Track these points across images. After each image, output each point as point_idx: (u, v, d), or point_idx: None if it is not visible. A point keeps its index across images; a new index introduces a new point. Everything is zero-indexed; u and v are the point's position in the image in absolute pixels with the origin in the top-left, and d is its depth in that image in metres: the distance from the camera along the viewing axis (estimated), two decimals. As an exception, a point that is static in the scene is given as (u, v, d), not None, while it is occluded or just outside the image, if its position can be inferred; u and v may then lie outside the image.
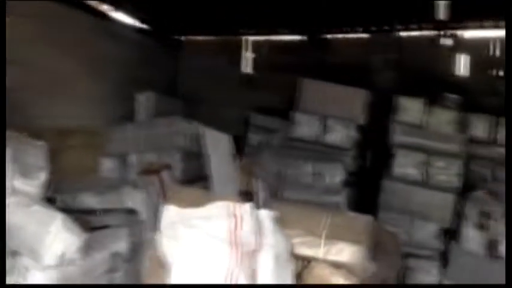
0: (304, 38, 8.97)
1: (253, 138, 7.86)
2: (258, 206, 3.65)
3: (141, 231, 5.21)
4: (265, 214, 3.46)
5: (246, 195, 3.85)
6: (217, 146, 4.05)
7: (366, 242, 3.59)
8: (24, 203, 3.89)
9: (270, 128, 7.82)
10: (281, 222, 3.58)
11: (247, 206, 3.34)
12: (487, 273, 6.04)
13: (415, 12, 7.45)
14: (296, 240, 3.58)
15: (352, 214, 4.33)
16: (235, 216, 3.28)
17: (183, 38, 9.55)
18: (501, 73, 7.86)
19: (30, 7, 5.66)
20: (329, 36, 8.96)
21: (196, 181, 6.73)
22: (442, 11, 5.70)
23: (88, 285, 4.36)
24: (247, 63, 9.29)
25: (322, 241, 3.58)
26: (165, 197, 5.54)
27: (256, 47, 9.34)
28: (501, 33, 7.92)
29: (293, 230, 3.61)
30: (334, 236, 3.56)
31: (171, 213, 3.45)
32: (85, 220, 4.76)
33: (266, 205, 3.74)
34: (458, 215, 6.36)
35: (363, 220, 3.84)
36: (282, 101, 8.22)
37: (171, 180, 5.87)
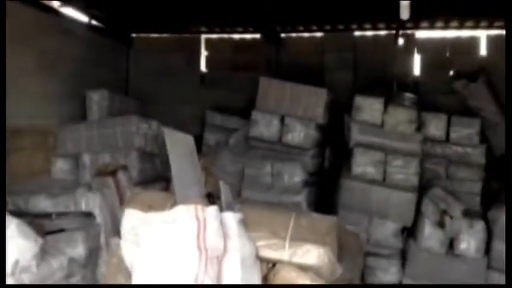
0: (260, 36, 8.89)
1: (211, 137, 7.71)
2: (222, 209, 3.56)
3: (97, 235, 5.04)
4: (230, 217, 3.38)
5: (209, 198, 3.72)
6: (180, 146, 3.90)
7: (332, 243, 3.54)
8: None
9: (227, 127, 7.70)
10: (245, 225, 3.49)
11: (211, 209, 3.24)
12: (445, 270, 6.15)
13: (370, 12, 7.48)
14: (261, 243, 3.50)
15: (316, 215, 4.28)
16: (199, 219, 3.17)
17: (135, 35, 9.28)
18: (454, 72, 8.02)
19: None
20: (285, 34, 8.92)
21: (153, 182, 6.59)
22: (405, 11, 5.72)
23: (94, 285, 4.20)
24: (202, 61, 9.13)
25: (287, 243, 3.52)
26: (121, 199, 5.38)
27: (212, 44, 9.19)
28: (453, 33, 8.16)
29: (257, 233, 3.53)
30: (299, 237, 3.50)
31: (132, 217, 3.30)
32: (39, 224, 4.60)
33: (230, 207, 3.64)
34: (417, 213, 6.41)
35: (327, 221, 3.79)
36: (238, 99, 8.15)
37: (127, 181, 5.70)
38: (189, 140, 4.04)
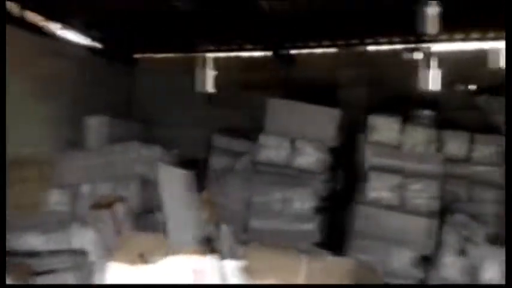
0: (270, 53, 8.58)
1: (217, 161, 7.30)
2: (222, 256, 3.21)
3: (91, 274, 4.69)
4: (230, 265, 3.03)
5: (208, 242, 3.36)
6: (175, 185, 3.56)
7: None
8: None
9: (235, 150, 7.29)
10: (251, 273, 3.14)
11: (208, 259, 2.90)
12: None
13: (385, 25, 7.15)
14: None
15: (331, 258, 3.92)
16: (195, 272, 2.83)
17: (138, 55, 9.03)
18: (473, 87, 7.63)
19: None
20: (296, 51, 8.60)
21: (155, 211, 6.24)
22: (430, 24, 5.43)
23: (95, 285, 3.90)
24: (209, 81, 8.83)
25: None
26: (118, 234, 5.05)
27: (219, 63, 8.91)
28: (472, 45, 7.75)
29: (265, 281, 3.19)
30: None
31: (117, 271, 2.95)
32: (28, 265, 4.31)
33: (232, 253, 3.28)
34: (436, 240, 6.01)
35: (343, 264, 3.45)
36: (247, 120, 7.80)
37: (126, 214, 5.37)
38: (186, 176, 3.70)
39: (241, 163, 6.88)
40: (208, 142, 7.75)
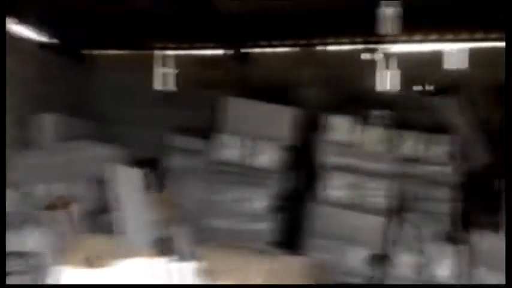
0: (227, 52, 8.55)
1: (174, 161, 7.23)
2: (179, 257, 3.19)
3: (44, 278, 4.58)
4: (188, 267, 3.02)
5: (165, 244, 3.33)
6: (131, 185, 3.51)
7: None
8: None
9: (192, 150, 7.23)
10: (209, 274, 3.13)
11: (165, 261, 2.88)
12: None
13: (342, 26, 7.26)
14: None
15: (289, 259, 3.95)
16: (150, 275, 2.80)
17: (94, 52, 8.84)
18: (429, 88, 7.80)
19: None
20: (253, 50, 8.60)
21: (111, 212, 6.13)
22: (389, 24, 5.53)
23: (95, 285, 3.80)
24: (166, 79, 8.73)
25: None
26: (74, 235, 4.94)
27: (175, 62, 8.82)
28: (430, 46, 7.93)
29: (225, 281, 3.19)
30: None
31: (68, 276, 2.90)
32: None
33: (189, 255, 3.26)
34: (391, 239, 6.14)
35: (299, 264, 3.49)
36: (204, 119, 7.75)
37: (81, 215, 5.26)
38: (143, 176, 3.65)
39: (199, 162, 6.82)
40: (164, 141, 7.68)
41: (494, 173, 6.89)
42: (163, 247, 3.31)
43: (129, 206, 3.35)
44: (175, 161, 7.08)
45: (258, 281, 3.29)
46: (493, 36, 7.55)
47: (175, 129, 7.57)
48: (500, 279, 5.91)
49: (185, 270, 3.01)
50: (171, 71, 8.79)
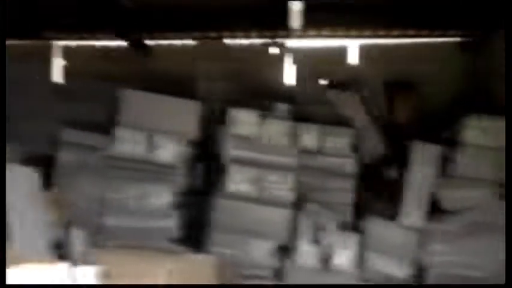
0: (126, 44, 8.21)
1: (67, 157, 6.72)
2: (74, 262, 2.92)
3: None
4: (84, 272, 2.76)
5: (59, 248, 3.05)
6: (20, 185, 3.17)
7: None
8: None
9: (86, 145, 6.78)
10: (109, 278, 2.88)
11: (60, 267, 2.61)
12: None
13: (246, 20, 7.21)
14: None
15: (194, 258, 3.78)
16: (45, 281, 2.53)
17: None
18: (331, 82, 7.90)
19: None
20: (153, 42, 8.32)
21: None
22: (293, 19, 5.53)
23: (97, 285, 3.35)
24: (60, 71, 8.21)
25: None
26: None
27: (69, 52, 8.32)
28: (333, 42, 8.10)
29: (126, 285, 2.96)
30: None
31: None
32: None
33: (86, 258, 3.00)
34: (293, 230, 6.16)
35: (207, 264, 3.33)
36: (100, 113, 7.35)
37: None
38: (33, 174, 3.32)
39: (94, 158, 6.43)
40: (56, 136, 7.17)
41: (390, 163, 7.17)
42: (61, 251, 3.04)
43: (20, 207, 3.02)
44: (69, 157, 6.61)
45: (160, 283, 3.10)
46: (394, 33, 7.87)
47: (71, 124, 7.11)
48: (391, 263, 6.22)
49: (81, 276, 2.75)
50: (66, 63, 8.27)
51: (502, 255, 6.04)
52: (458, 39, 7.98)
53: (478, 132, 6.34)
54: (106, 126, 6.47)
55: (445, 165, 6.45)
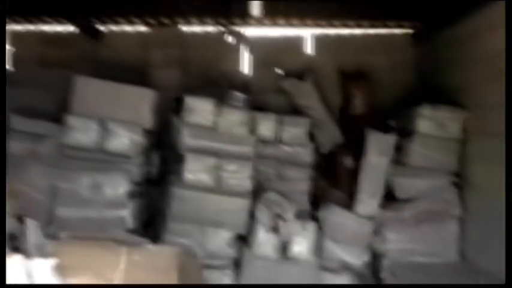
0: (75, 28, 7.92)
1: (16, 146, 6.41)
2: (28, 254, 2.79)
3: None
4: (38, 264, 2.63)
5: (12, 240, 2.90)
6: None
7: (173, 281, 2.99)
8: None
9: (36, 133, 6.50)
10: (64, 271, 2.76)
11: (14, 260, 2.49)
12: (280, 276, 5.98)
13: (201, 7, 7.12)
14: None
15: (153, 247, 3.66)
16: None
17: None
18: (287, 71, 7.90)
19: None
20: (104, 27, 8.07)
21: None
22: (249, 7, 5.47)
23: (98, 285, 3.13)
24: (11, 57, 7.87)
25: (115, 287, 2.90)
26: None
27: (16, 37, 7.99)
28: (289, 31, 8.12)
29: (80, 278, 2.84)
30: (133, 279, 2.88)
31: None
32: None
33: (39, 250, 2.86)
34: (251, 219, 6.15)
35: (166, 254, 3.23)
36: (49, 101, 7.06)
37: None
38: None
39: (45, 147, 6.17)
40: (7, 124, 6.85)
41: (345, 152, 7.26)
42: (13, 243, 2.89)
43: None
44: (18, 146, 6.31)
45: (118, 275, 3.00)
46: (349, 23, 7.96)
47: (16, 110, 6.79)
48: (348, 251, 6.32)
49: (36, 268, 2.63)
50: (12, 49, 7.91)
51: (454, 242, 6.36)
52: (410, 30, 8.15)
53: (431, 122, 6.49)
54: (57, 114, 6.21)
55: (399, 155, 6.58)
